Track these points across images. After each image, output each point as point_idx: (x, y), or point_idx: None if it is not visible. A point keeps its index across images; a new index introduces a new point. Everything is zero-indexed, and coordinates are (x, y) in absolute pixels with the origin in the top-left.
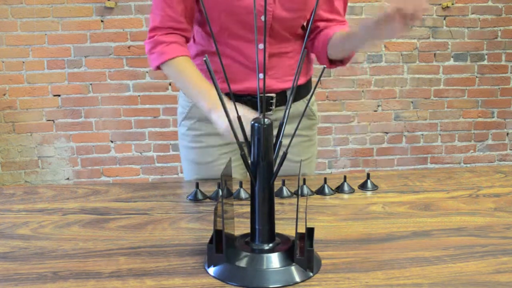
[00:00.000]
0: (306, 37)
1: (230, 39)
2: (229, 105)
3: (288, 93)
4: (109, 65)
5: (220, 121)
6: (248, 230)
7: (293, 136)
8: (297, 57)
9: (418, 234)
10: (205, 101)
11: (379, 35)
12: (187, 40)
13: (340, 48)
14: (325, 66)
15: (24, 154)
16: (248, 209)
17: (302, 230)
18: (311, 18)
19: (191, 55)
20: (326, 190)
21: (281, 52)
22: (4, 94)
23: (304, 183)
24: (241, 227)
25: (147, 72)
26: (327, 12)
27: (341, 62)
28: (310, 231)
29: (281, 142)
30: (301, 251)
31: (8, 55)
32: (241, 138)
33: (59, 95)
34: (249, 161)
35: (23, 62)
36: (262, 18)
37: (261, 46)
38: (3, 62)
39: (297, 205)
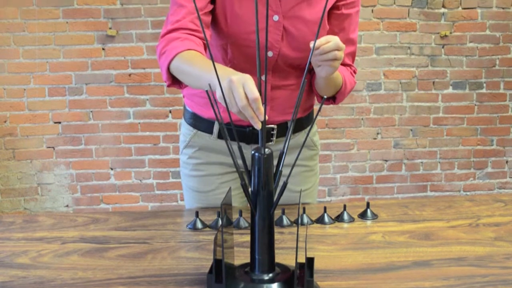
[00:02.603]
0: (305, 72)
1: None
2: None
3: (289, 124)
4: (109, 93)
5: (232, 72)
6: (248, 260)
7: (292, 166)
8: (299, 90)
9: (418, 264)
10: (209, 73)
11: (318, 72)
12: (205, 47)
13: (316, 84)
14: (325, 96)
15: (23, 181)
16: (248, 238)
17: (302, 259)
18: (311, 53)
19: None
20: (326, 219)
21: (283, 85)
22: (5, 121)
23: (304, 212)
24: (240, 256)
25: (147, 99)
26: None
27: (333, 100)
28: (310, 261)
29: (281, 171)
30: (300, 281)
31: (10, 82)
32: (235, 110)
33: (59, 122)
34: (249, 191)
35: (25, 89)
36: (269, 54)
37: (263, 77)
38: (4, 89)
39: (297, 234)
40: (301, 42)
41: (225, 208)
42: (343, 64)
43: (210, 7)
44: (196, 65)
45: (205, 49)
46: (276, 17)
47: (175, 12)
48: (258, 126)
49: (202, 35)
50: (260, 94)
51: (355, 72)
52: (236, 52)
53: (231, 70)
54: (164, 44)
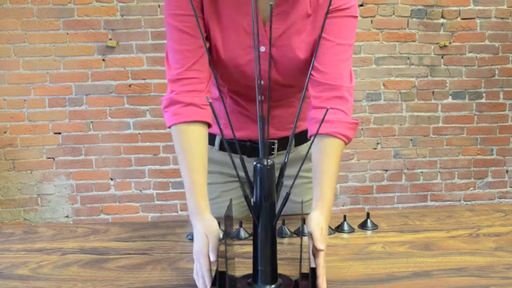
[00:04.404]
0: (304, 89)
1: (230, 93)
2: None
3: (290, 137)
4: (110, 103)
5: (197, 236)
6: (248, 271)
7: (295, 179)
8: (297, 105)
9: (418, 275)
10: (194, 198)
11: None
12: (207, 90)
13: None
14: (328, 108)
15: (23, 191)
16: (248, 249)
17: (304, 270)
18: (311, 70)
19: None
20: None
21: (280, 103)
22: (5, 132)
23: (305, 222)
24: (241, 267)
25: (147, 110)
26: (321, 63)
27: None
28: (312, 271)
29: (282, 183)
30: None
31: (10, 93)
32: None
33: (59, 133)
34: (251, 202)
35: (25, 100)
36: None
37: (260, 97)
38: (4, 100)
39: (301, 245)
40: (290, 68)
41: (226, 220)
42: (335, 107)
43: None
44: (185, 162)
45: (205, 91)
46: (263, 48)
47: (173, 57)
48: None
49: (202, 85)
50: (261, 114)
51: (347, 102)
52: (228, 82)
53: (203, 217)
54: (165, 105)
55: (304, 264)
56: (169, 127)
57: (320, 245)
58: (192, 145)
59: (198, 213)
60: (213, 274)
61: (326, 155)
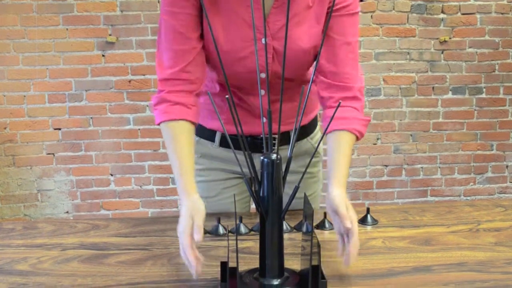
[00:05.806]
0: (309, 85)
1: (232, 88)
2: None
3: (291, 133)
4: (109, 99)
5: (182, 216)
6: (248, 265)
7: (303, 174)
8: (298, 100)
9: (418, 270)
10: (182, 180)
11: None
12: (197, 92)
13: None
14: (340, 102)
15: (23, 187)
16: (248, 244)
17: (306, 265)
18: (314, 71)
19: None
20: (326, 225)
21: (283, 98)
22: (5, 128)
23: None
24: (241, 262)
25: (147, 105)
26: (330, 63)
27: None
28: (314, 269)
29: (285, 178)
30: (314, 284)
31: (10, 89)
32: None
33: (59, 129)
34: (255, 195)
35: (24, 96)
36: (262, 75)
37: (262, 91)
38: (4, 96)
39: (311, 237)
40: (291, 60)
41: (227, 216)
42: (349, 106)
43: (198, 48)
44: (173, 151)
45: (195, 93)
46: (264, 40)
47: (166, 55)
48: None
49: (193, 85)
50: (262, 109)
51: (359, 100)
52: (229, 76)
53: (190, 199)
54: (155, 103)
55: (307, 259)
56: (158, 124)
57: (348, 223)
58: (181, 137)
59: (186, 194)
60: (218, 266)
61: (340, 146)
